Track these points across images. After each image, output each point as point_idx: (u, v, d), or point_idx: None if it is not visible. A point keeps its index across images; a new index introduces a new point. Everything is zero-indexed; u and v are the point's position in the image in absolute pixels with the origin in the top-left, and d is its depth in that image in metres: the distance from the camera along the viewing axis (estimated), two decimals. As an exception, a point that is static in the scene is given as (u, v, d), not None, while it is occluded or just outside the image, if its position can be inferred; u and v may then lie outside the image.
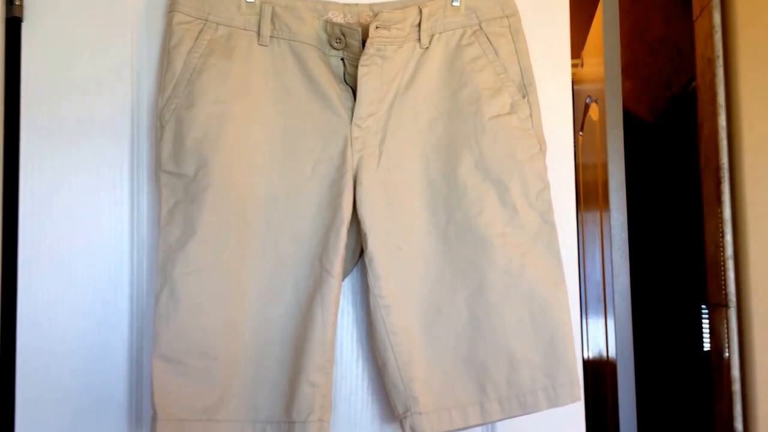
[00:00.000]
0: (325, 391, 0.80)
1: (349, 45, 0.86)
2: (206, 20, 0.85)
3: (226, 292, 0.81)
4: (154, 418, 0.77)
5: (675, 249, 1.92)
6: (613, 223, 1.48)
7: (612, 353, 1.52)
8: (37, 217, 0.88)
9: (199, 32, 0.85)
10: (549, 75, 0.92)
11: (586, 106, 1.84)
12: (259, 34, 0.86)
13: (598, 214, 1.69)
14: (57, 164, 0.88)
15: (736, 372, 1.13)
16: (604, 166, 1.51)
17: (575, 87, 2.01)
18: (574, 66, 1.92)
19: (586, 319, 1.98)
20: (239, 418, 0.80)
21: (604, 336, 1.67)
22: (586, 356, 2.06)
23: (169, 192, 0.82)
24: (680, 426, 1.92)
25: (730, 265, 1.14)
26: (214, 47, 0.84)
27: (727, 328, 1.14)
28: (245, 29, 0.86)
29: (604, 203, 1.55)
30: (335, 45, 0.86)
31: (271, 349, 0.82)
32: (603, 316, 1.66)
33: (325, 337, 0.80)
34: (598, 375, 1.85)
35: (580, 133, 2.01)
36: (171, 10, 0.85)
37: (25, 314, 0.86)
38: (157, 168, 0.84)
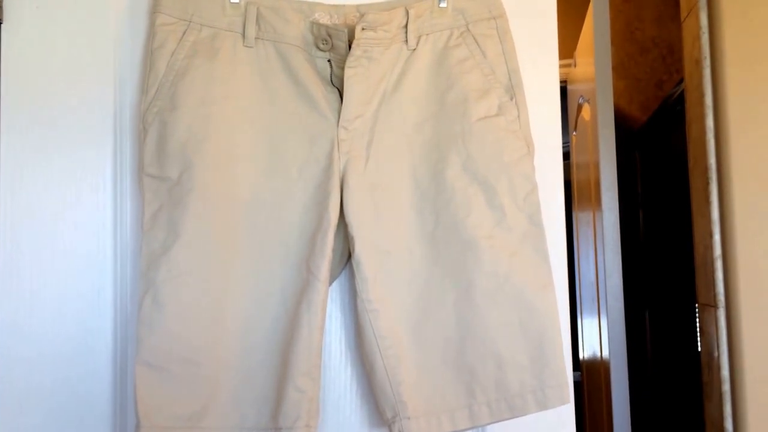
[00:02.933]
0: (312, 397, 0.79)
1: (336, 46, 0.85)
2: (190, 21, 0.84)
3: (211, 297, 0.80)
4: (137, 426, 0.76)
5: (671, 248, 1.92)
6: (605, 223, 1.48)
7: (606, 353, 1.52)
8: (18, 221, 0.86)
9: (183, 33, 0.84)
10: (537, 76, 0.91)
11: (579, 106, 1.83)
12: (243, 35, 0.85)
13: (591, 214, 1.69)
14: (38, 167, 0.87)
15: (725, 372, 1.13)
16: (596, 165, 1.51)
17: (569, 87, 2.01)
18: (567, 66, 1.92)
19: (581, 319, 1.98)
20: (225, 425, 0.79)
21: (598, 336, 1.66)
22: (581, 356, 2.06)
23: (153, 195, 0.81)
24: (674, 426, 1.92)
25: (718, 265, 1.14)
26: (198, 49, 0.83)
27: (716, 328, 1.14)
28: (230, 30, 0.85)
29: (596, 203, 1.54)
30: (321, 46, 0.85)
31: (257, 355, 0.81)
32: (597, 317, 1.65)
33: (311, 341, 0.79)
34: (593, 374, 1.85)
35: (574, 132, 2.01)
36: (154, 11, 0.84)
37: (6, 320, 0.85)
38: (139, 171, 0.83)
